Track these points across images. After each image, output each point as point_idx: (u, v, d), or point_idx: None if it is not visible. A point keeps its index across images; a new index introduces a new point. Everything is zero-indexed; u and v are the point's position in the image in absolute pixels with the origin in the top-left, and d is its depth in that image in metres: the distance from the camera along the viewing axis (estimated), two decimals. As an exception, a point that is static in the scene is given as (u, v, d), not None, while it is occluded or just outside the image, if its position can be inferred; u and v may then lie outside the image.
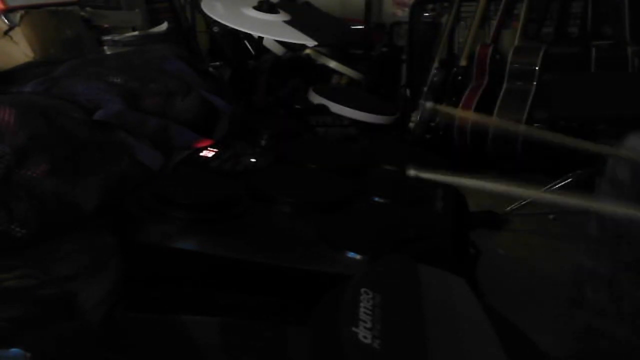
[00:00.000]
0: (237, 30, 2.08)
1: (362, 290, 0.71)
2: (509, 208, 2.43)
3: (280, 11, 1.91)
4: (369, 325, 0.65)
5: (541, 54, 2.77)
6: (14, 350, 0.75)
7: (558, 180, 2.46)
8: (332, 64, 2.94)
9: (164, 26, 2.12)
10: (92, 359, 0.86)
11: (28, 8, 1.68)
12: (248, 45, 2.65)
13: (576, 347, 1.26)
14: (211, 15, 1.88)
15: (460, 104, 2.86)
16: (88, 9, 1.93)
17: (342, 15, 3.23)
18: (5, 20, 1.65)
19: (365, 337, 0.63)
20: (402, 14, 3.52)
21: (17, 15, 1.66)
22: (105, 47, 1.90)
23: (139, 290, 0.94)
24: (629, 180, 1.14)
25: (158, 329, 0.94)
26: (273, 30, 1.90)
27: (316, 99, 1.84)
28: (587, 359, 1.25)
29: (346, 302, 0.68)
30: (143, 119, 1.19)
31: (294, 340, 0.92)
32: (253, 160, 1.29)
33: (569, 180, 2.44)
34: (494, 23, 3.03)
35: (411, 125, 2.98)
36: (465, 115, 2.71)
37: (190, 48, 2.42)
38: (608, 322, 1.18)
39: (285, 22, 1.88)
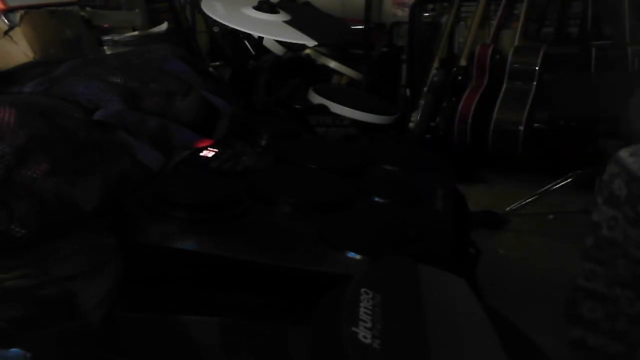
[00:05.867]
0: (237, 30, 2.08)
1: (362, 290, 0.71)
2: (508, 208, 2.43)
3: (280, 11, 1.91)
4: (369, 325, 0.65)
5: (541, 54, 2.78)
6: (14, 350, 0.75)
7: (558, 180, 2.46)
8: (332, 64, 2.95)
9: (164, 26, 2.12)
10: (92, 359, 0.86)
11: (28, 8, 1.68)
12: (248, 45, 2.65)
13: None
14: (211, 15, 1.88)
15: (460, 104, 2.86)
16: (88, 9, 1.92)
17: (342, 15, 3.23)
18: (5, 20, 1.65)
19: (365, 337, 0.63)
20: (402, 14, 3.52)
21: (17, 15, 1.65)
22: (105, 47, 1.90)
23: (139, 290, 0.94)
24: (625, 196, 1.14)
25: (158, 329, 0.94)
26: (273, 30, 1.90)
27: (316, 99, 1.85)
28: None
29: (346, 302, 0.68)
30: (143, 119, 1.19)
31: (294, 340, 0.92)
32: (253, 160, 1.29)
33: (569, 180, 2.44)
34: (494, 23, 3.03)
35: (411, 125, 2.99)
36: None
37: (190, 48, 2.42)
38: (603, 339, 1.18)
39: (285, 22, 1.88)
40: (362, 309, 0.67)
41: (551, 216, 2.43)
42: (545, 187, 2.46)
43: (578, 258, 1.29)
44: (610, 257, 1.17)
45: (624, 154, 1.17)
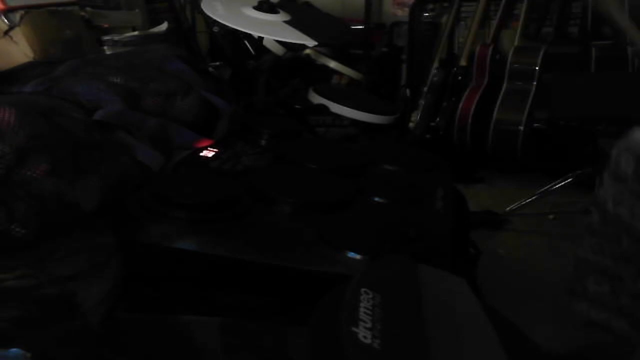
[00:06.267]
0: (237, 30, 2.08)
1: (362, 290, 0.71)
2: (508, 208, 2.43)
3: (280, 11, 1.91)
4: (369, 325, 0.65)
5: (541, 54, 2.78)
6: (14, 350, 0.75)
7: (558, 180, 2.46)
8: (332, 64, 2.95)
9: (164, 26, 2.12)
10: (92, 359, 0.86)
11: (28, 8, 1.68)
12: (248, 45, 2.65)
13: (575, 340, 1.26)
14: (211, 15, 1.88)
15: (460, 104, 2.86)
16: (88, 9, 1.93)
17: (342, 15, 3.23)
18: (5, 20, 1.65)
19: (365, 337, 0.63)
20: (402, 14, 3.52)
21: (17, 15, 1.66)
22: (105, 47, 1.90)
23: (139, 290, 0.94)
24: (633, 173, 1.13)
25: (158, 329, 0.94)
26: (273, 30, 1.90)
27: (316, 99, 1.85)
28: (585, 353, 1.24)
29: (346, 302, 0.68)
30: (143, 119, 1.19)
31: (294, 340, 0.92)
32: (253, 160, 1.29)
33: (569, 180, 2.44)
34: (494, 23, 3.03)
35: (411, 125, 2.99)
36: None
37: (190, 48, 2.42)
38: (607, 315, 1.18)
39: (285, 22, 1.88)
40: (362, 309, 0.67)
41: (551, 216, 2.43)
42: (545, 187, 2.46)
43: (580, 246, 1.28)
44: (615, 235, 1.16)
45: (634, 132, 1.16)
